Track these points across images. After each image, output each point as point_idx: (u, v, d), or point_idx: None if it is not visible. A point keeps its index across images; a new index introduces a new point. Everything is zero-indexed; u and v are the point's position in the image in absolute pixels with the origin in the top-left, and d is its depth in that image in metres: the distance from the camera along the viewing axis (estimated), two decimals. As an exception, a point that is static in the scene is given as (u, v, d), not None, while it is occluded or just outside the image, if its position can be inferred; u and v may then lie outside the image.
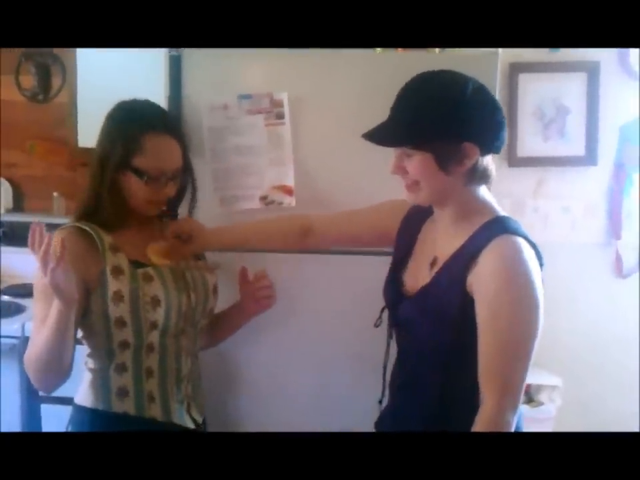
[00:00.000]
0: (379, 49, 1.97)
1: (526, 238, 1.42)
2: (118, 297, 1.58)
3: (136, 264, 1.63)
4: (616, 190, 2.76)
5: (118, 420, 1.63)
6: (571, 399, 2.64)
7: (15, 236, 2.90)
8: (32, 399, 2.16)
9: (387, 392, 1.69)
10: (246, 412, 2.09)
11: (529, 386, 2.58)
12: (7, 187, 3.08)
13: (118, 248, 1.62)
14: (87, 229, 1.60)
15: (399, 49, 1.96)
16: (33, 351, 1.52)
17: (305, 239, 1.81)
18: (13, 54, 2.97)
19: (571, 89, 2.70)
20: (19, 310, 2.64)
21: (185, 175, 1.73)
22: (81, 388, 1.68)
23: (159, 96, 1.87)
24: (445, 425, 1.47)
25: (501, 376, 1.37)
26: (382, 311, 1.67)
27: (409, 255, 1.62)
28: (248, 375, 2.07)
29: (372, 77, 1.95)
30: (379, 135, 1.46)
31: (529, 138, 2.72)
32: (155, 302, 1.61)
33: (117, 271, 1.60)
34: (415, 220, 1.65)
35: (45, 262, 1.37)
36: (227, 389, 2.07)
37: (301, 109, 1.96)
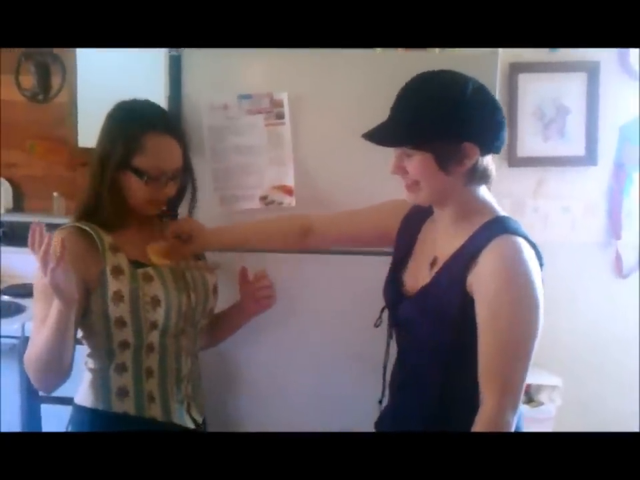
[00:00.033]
0: (378, 49, 1.97)
1: (526, 238, 1.42)
2: (118, 296, 1.58)
3: (136, 264, 1.63)
4: (616, 190, 2.76)
5: (118, 420, 1.63)
6: (570, 398, 2.64)
7: (14, 236, 2.90)
8: (32, 399, 2.16)
9: (387, 392, 1.69)
10: (246, 412, 2.08)
11: (528, 386, 2.58)
12: (6, 187, 3.08)
13: (118, 248, 1.62)
14: (87, 228, 1.60)
15: (399, 49, 1.96)
16: (33, 351, 1.52)
17: (305, 239, 1.81)
18: (12, 53, 2.97)
19: (571, 88, 2.70)
20: (19, 310, 2.64)
21: (185, 174, 1.73)
22: (81, 388, 1.68)
23: (158, 95, 1.87)
24: (445, 424, 1.47)
25: (501, 376, 1.37)
26: (382, 310, 1.67)
27: (409, 255, 1.62)
28: (248, 375, 2.07)
29: (372, 76, 1.95)
30: (379, 135, 1.46)
31: (529, 138, 2.72)
32: (155, 302, 1.61)
33: (117, 271, 1.59)
34: (415, 220, 1.65)
35: (45, 262, 1.37)
36: (227, 389, 2.07)
37: (301, 108, 1.96)
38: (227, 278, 1.85)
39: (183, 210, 1.83)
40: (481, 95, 1.43)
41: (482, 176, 1.47)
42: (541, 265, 1.43)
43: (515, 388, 1.37)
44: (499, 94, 1.85)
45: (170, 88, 1.98)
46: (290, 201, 1.99)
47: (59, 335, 1.46)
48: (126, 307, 1.59)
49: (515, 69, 2.67)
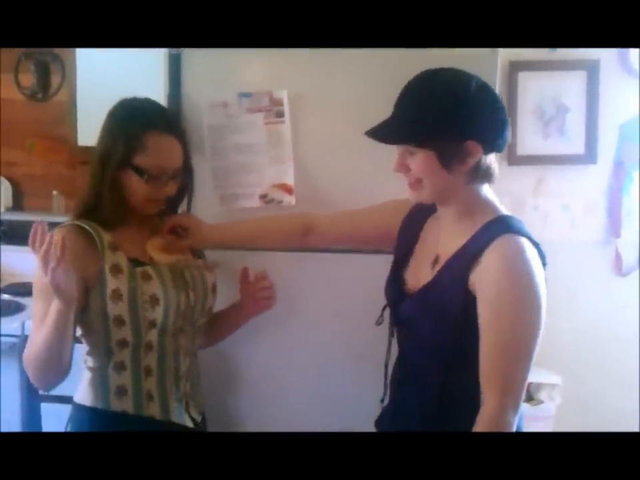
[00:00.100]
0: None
1: (529, 237, 1.42)
2: (116, 295, 1.58)
3: (135, 262, 1.63)
4: (616, 188, 2.76)
5: (117, 418, 1.64)
6: (570, 397, 2.64)
7: (14, 234, 2.90)
8: (32, 398, 2.15)
9: (388, 391, 1.69)
10: (246, 412, 2.08)
11: (528, 384, 2.58)
12: (6, 186, 3.08)
13: (117, 246, 1.62)
14: (87, 227, 1.60)
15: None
16: (32, 350, 1.52)
17: (305, 238, 1.81)
18: (12, 52, 2.97)
19: (571, 87, 2.70)
20: (18, 308, 2.64)
21: (186, 174, 1.73)
22: (80, 386, 1.69)
23: (158, 94, 1.86)
24: (445, 424, 1.47)
25: (503, 376, 1.37)
26: (383, 309, 1.67)
27: (411, 254, 1.62)
28: (248, 375, 2.07)
29: (372, 75, 1.95)
30: (382, 133, 1.46)
31: (529, 136, 2.71)
32: (154, 301, 1.61)
33: (116, 270, 1.59)
34: (416, 218, 1.64)
35: (45, 261, 1.37)
36: (227, 389, 2.07)
37: (301, 107, 1.96)
38: (226, 277, 1.85)
39: (182, 209, 1.83)
40: (485, 93, 1.43)
41: (485, 175, 1.46)
42: (544, 264, 1.43)
43: (516, 388, 1.37)
44: (498, 92, 1.85)
45: (170, 86, 1.97)
46: (290, 199, 1.99)
47: (57, 334, 1.46)
48: (124, 306, 1.59)
49: (515, 67, 2.67)
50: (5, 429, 2.32)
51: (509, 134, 1.46)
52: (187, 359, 1.73)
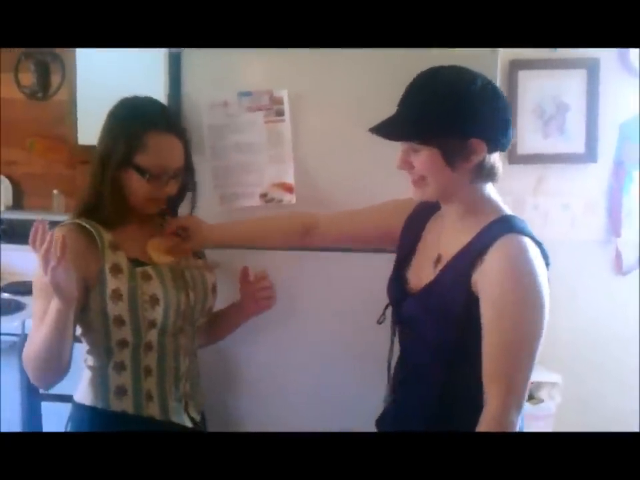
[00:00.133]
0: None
1: (532, 237, 1.42)
2: (116, 295, 1.58)
3: (135, 262, 1.63)
4: (616, 187, 2.75)
5: (116, 418, 1.64)
6: (570, 396, 2.64)
7: (14, 233, 2.89)
8: (32, 397, 2.15)
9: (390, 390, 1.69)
10: (246, 412, 2.08)
11: (528, 383, 2.58)
12: (6, 185, 3.08)
13: (117, 246, 1.62)
14: (87, 226, 1.59)
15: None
16: (32, 349, 1.53)
17: (305, 237, 1.81)
18: (12, 52, 2.97)
19: (571, 86, 2.70)
20: (19, 307, 2.64)
21: (187, 173, 1.72)
22: (80, 385, 1.69)
23: (158, 93, 1.86)
24: (446, 423, 1.47)
25: (506, 376, 1.36)
26: (385, 308, 1.66)
27: (413, 253, 1.62)
28: (248, 375, 2.07)
29: (372, 74, 1.95)
30: (386, 129, 1.45)
31: (529, 135, 2.71)
32: (154, 301, 1.60)
33: (116, 269, 1.59)
34: (419, 218, 1.64)
35: (46, 260, 1.37)
36: (227, 389, 2.07)
37: (301, 106, 1.96)
38: (226, 277, 1.85)
39: (184, 210, 1.82)
40: (489, 91, 1.43)
41: (489, 174, 1.46)
42: (547, 264, 1.43)
43: (519, 388, 1.36)
44: (500, 91, 1.85)
45: (169, 86, 1.98)
46: (290, 198, 1.99)
47: (57, 333, 1.46)
48: (124, 306, 1.59)
49: (515, 66, 2.66)
50: (5, 428, 2.32)
51: (512, 132, 1.46)
52: (186, 359, 1.73)
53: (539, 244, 1.42)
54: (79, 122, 2.77)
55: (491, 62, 1.90)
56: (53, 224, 1.52)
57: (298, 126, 1.96)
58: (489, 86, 1.43)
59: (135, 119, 1.63)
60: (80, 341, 1.66)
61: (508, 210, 1.50)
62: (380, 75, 1.92)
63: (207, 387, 1.87)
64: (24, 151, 3.07)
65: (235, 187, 1.99)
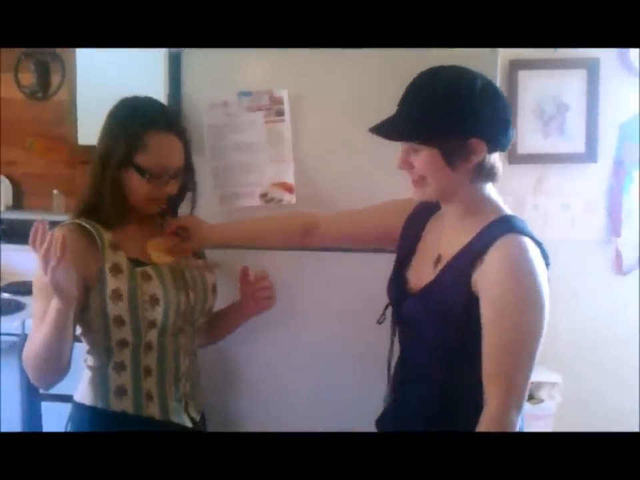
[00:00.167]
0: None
1: (532, 237, 1.41)
2: (116, 295, 1.58)
3: (135, 262, 1.63)
4: (616, 187, 2.75)
5: (116, 418, 1.64)
6: (570, 396, 2.64)
7: (14, 233, 2.89)
8: (32, 397, 2.15)
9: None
10: (246, 412, 2.08)
11: (528, 383, 2.58)
12: (6, 185, 3.08)
13: (117, 246, 1.62)
14: (87, 226, 1.59)
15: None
16: (31, 349, 1.53)
17: (306, 237, 1.81)
18: (12, 51, 2.96)
19: (571, 85, 2.70)
20: (19, 307, 2.64)
21: (187, 173, 1.72)
22: (80, 385, 1.69)
23: (158, 93, 1.86)
24: (446, 423, 1.47)
25: (506, 376, 1.36)
26: (385, 308, 1.66)
27: (413, 253, 1.61)
28: (248, 375, 2.07)
29: (372, 74, 1.95)
30: (386, 129, 1.45)
31: (529, 135, 2.71)
32: (154, 301, 1.60)
33: (116, 269, 1.59)
34: (419, 218, 1.64)
35: (46, 260, 1.37)
36: (227, 389, 2.07)
37: (301, 106, 1.96)
38: (226, 276, 1.85)
39: (184, 210, 1.82)
40: (490, 91, 1.43)
41: (489, 174, 1.46)
42: (547, 264, 1.43)
43: (519, 388, 1.36)
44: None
45: (169, 85, 1.97)
46: (290, 198, 1.99)
47: (57, 333, 1.46)
48: (124, 306, 1.59)
49: (515, 66, 2.66)
50: (5, 428, 2.32)
51: (513, 133, 1.46)
52: (186, 359, 1.73)
53: (539, 244, 1.42)
54: (78, 122, 2.76)
55: (491, 62, 1.90)
56: (53, 224, 1.51)
57: (298, 126, 1.96)
58: (489, 86, 1.43)
59: (135, 119, 1.63)
60: (80, 341, 1.66)
61: (508, 210, 1.50)
62: (380, 74, 1.92)
63: (207, 387, 1.87)
64: (24, 150, 3.07)
65: (235, 186, 1.99)
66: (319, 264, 2.00)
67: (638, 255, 2.77)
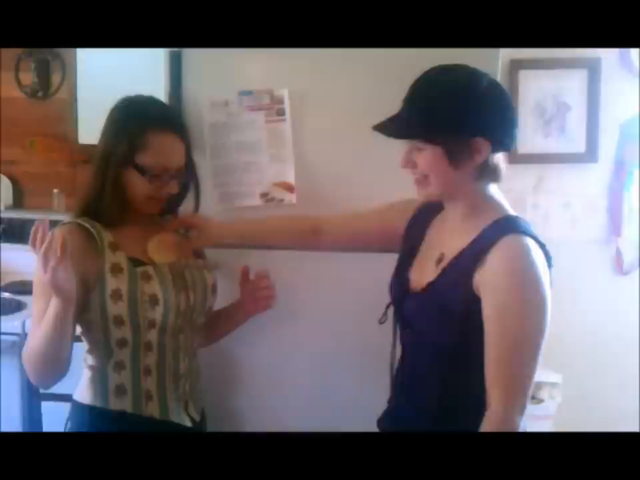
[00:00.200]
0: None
1: (535, 238, 1.41)
2: (116, 295, 1.58)
3: (135, 262, 1.63)
4: (616, 187, 2.75)
5: (116, 418, 1.63)
6: (571, 395, 2.63)
7: (14, 232, 2.90)
8: (32, 396, 2.16)
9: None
10: (246, 412, 2.08)
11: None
12: (6, 184, 3.08)
13: (117, 246, 1.62)
14: (87, 225, 1.59)
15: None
16: (31, 348, 1.53)
17: (313, 239, 1.80)
18: (12, 51, 2.96)
19: (572, 85, 2.69)
20: (19, 307, 2.64)
21: (188, 173, 1.72)
22: (79, 384, 1.69)
23: (159, 92, 1.86)
24: (448, 423, 1.47)
25: (509, 377, 1.36)
26: (387, 307, 1.66)
27: (415, 253, 1.61)
28: (248, 375, 2.06)
29: (372, 73, 1.94)
30: (390, 128, 1.45)
31: (530, 135, 2.71)
32: (154, 301, 1.60)
33: (116, 269, 1.59)
34: (422, 218, 1.64)
35: (45, 260, 1.37)
36: (227, 389, 2.06)
37: (302, 105, 1.95)
38: (226, 276, 1.85)
39: (186, 209, 1.82)
40: (494, 91, 1.43)
41: (492, 173, 1.46)
42: (550, 265, 1.42)
43: (522, 389, 1.36)
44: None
45: (170, 84, 1.97)
46: (291, 197, 1.98)
47: (56, 332, 1.46)
48: (124, 305, 1.59)
49: (516, 66, 2.66)
50: (5, 428, 2.33)
51: (516, 133, 1.46)
52: (186, 359, 1.73)
53: (542, 245, 1.42)
54: (79, 121, 2.78)
55: (491, 61, 1.89)
56: (53, 223, 1.51)
57: (299, 125, 1.96)
58: (494, 85, 1.43)
59: (135, 118, 1.63)
60: (80, 341, 1.65)
61: (511, 210, 1.50)
62: (381, 74, 1.92)
63: (207, 387, 1.86)
64: (24, 150, 3.06)
65: (235, 186, 1.99)
66: (319, 264, 2.00)
67: (638, 254, 2.77)
